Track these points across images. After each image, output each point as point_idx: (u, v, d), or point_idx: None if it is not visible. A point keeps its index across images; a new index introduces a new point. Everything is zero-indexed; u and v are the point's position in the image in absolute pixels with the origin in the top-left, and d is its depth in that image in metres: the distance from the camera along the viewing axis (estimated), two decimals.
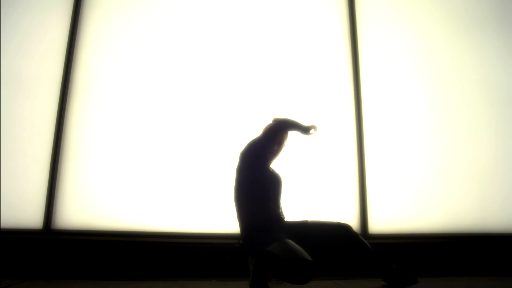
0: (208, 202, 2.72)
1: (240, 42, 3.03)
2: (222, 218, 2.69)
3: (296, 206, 2.70)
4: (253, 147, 2.12)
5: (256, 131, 2.23)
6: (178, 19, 3.02)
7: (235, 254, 2.57)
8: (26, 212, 2.59)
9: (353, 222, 2.79)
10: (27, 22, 2.90)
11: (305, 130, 2.21)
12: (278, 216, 2.12)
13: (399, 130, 3.01)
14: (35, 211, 2.60)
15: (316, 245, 2.01)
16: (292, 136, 2.27)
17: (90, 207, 2.63)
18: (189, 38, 3.00)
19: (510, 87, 3.22)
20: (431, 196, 2.92)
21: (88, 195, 2.64)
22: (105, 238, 2.56)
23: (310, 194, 2.80)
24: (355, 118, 2.97)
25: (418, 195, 2.91)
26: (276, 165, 2.27)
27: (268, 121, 2.24)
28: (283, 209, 2.22)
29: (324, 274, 2.49)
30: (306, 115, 2.85)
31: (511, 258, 2.80)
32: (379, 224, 2.82)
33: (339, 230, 2.08)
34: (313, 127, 2.23)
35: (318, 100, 2.98)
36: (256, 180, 2.07)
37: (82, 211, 2.62)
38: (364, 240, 2.11)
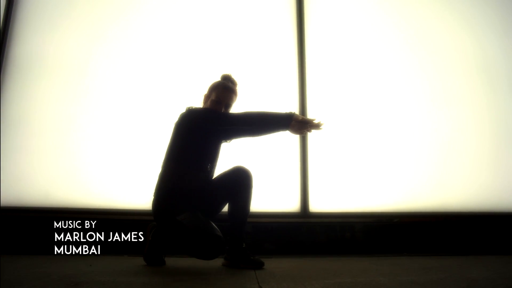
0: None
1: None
2: None
3: None
4: (199, 108, 2.03)
5: None
6: None
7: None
8: None
9: (294, 199, 2.71)
10: None
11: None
12: (204, 178, 1.95)
13: (341, 107, 2.90)
14: None
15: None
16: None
17: (24, 183, 2.67)
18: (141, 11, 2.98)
19: (487, 58, 3.05)
20: (376, 175, 2.79)
21: (21, 171, 2.69)
22: (35, 214, 2.58)
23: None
24: (299, 94, 2.87)
25: (362, 174, 2.79)
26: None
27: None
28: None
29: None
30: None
31: (455, 238, 2.69)
32: (320, 203, 2.72)
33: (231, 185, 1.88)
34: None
35: (261, 71, 2.90)
36: (197, 137, 1.92)
37: (13, 187, 2.65)
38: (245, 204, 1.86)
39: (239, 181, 1.86)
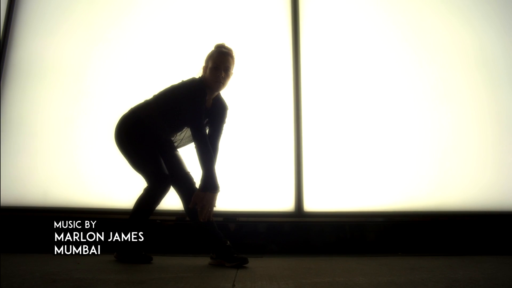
0: None
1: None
2: None
3: (231, 179, 2.64)
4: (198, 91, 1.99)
5: None
6: None
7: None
8: None
9: (288, 199, 2.70)
10: None
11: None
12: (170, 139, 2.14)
13: (337, 104, 2.87)
14: None
15: None
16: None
17: (24, 184, 2.75)
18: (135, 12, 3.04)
19: (487, 55, 2.97)
20: (372, 175, 2.75)
21: (22, 172, 2.77)
22: (35, 214, 2.65)
23: (243, 166, 2.74)
24: (294, 94, 2.85)
25: (357, 174, 2.75)
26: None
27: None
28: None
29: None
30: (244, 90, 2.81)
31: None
32: (315, 203, 2.70)
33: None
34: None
35: (255, 70, 2.90)
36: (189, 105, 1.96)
37: (14, 188, 2.74)
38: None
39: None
